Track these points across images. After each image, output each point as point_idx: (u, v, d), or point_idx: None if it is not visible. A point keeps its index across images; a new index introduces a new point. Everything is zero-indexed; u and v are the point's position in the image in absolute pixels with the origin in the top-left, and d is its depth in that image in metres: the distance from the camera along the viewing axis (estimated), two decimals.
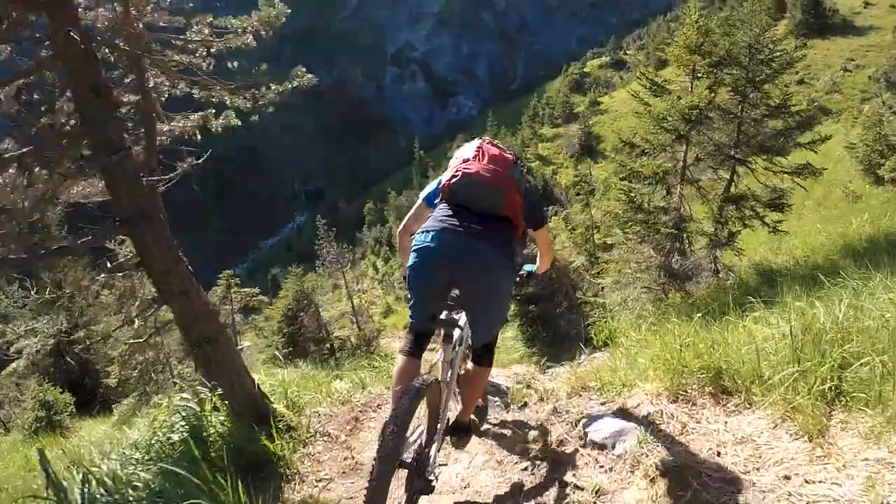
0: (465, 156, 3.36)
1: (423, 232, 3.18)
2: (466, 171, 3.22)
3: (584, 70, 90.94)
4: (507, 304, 3.77)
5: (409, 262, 3.23)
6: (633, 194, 10.41)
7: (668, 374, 3.69)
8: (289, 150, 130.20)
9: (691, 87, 11.18)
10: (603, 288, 13.08)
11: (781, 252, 10.15)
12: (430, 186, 3.65)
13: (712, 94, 10.12)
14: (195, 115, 4.60)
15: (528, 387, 5.11)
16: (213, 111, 4.65)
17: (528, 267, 4.10)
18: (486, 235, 3.10)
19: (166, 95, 4.40)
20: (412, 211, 3.66)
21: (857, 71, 54.14)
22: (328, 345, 16.89)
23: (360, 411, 5.10)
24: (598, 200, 22.06)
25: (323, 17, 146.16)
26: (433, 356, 3.79)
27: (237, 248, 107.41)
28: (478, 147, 3.38)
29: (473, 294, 3.26)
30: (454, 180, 3.24)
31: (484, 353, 3.49)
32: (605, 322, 9.65)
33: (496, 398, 4.96)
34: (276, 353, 16.30)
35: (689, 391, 3.53)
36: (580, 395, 4.51)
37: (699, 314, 4.45)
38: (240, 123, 4.86)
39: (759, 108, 10.58)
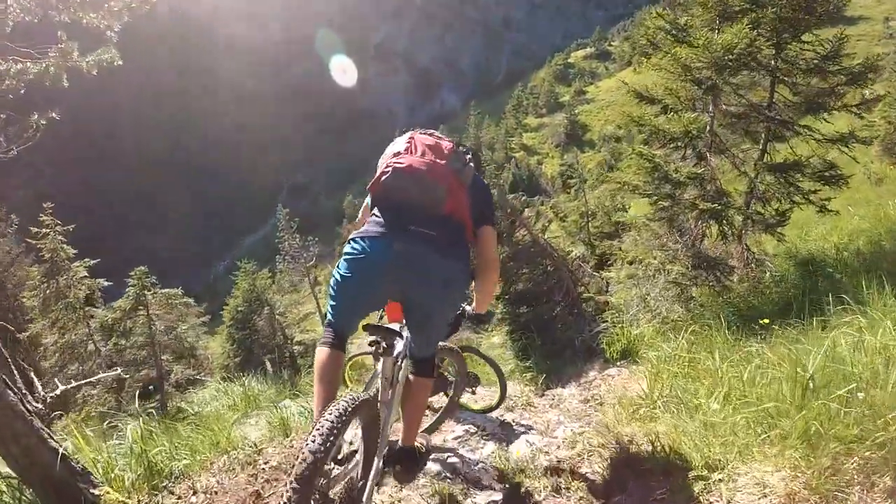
0: (395, 150, 3.00)
1: (356, 239, 2.78)
2: (397, 165, 2.82)
3: (569, 61, 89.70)
4: (454, 311, 3.30)
5: (340, 271, 2.82)
6: (657, 160, 7.98)
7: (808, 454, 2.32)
8: (271, 144, 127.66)
9: (718, 32, 8.74)
10: (608, 284, 10.65)
11: (810, 237, 8.69)
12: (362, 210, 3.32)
13: (754, 33, 7.70)
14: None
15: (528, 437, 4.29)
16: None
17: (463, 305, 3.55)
18: (430, 238, 2.72)
19: None
20: (361, 210, 3.30)
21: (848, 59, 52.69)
22: (286, 352, 14.46)
23: (267, 480, 3.47)
24: (591, 187, 20.26)
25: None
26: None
27: (218, 247, 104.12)
28: (409, 138, 3.03)
29: (417, 308, 2.89)
30: (384, 177, 2.82)
31: (425, 363, 3.15)
32: (621, 328, 7.86)
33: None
34: (228, 361, 14.05)
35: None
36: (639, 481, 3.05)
37: (764, 321, 3.89)
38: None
39: (800, 60, 8.14)
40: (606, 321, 8.29)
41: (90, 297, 11.66)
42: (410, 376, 3.20)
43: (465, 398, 5.44)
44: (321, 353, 2.82)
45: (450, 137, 3.13)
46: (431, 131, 3.09)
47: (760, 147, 8.34)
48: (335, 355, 2.86)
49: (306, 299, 24.94)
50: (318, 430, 2.04)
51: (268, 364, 11.96)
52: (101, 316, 8.69)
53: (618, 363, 6.90)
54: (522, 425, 5.46)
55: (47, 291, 12.00)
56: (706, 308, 7.00)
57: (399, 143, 3.03)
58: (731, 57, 7.71)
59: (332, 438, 2.05)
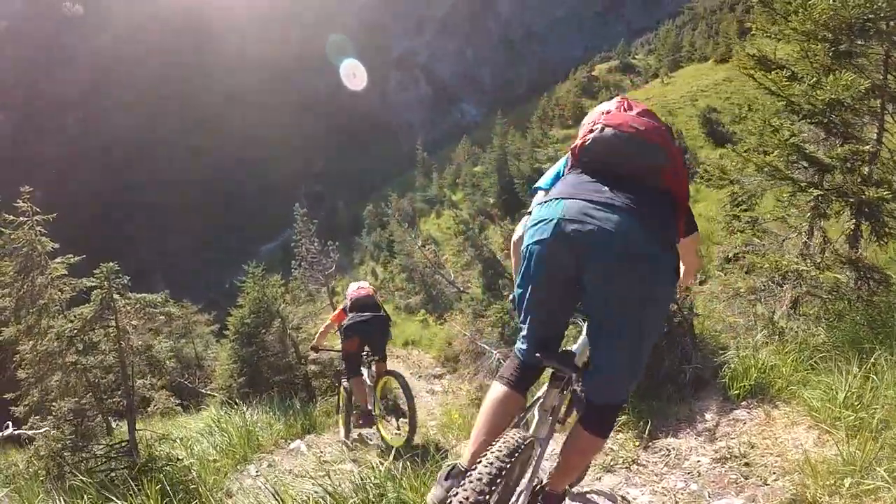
0: (604, 108, 2.59)
1: (542, 204, 2.39)
2: (609, 122, 2.39)
3: (592, 74, 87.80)
4: (657, 335, 2.77)
5: (521, 264, 2.40)
6: (793, 139, 5.91)
7: None
8: (291, 155, 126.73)
9: None
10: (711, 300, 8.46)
11: None
12: (548, 174, 2.86)
13: None
14: None
15: None
16: None
17: None
18: (642, 213, 2.18)
19: None
20: (525, 217, 2.61)
21: None
22: (301, 373, 12.41)
23: None
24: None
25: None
26: None
27: (236, 255, 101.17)
28: (621, 99, 2.63)
29: (612, 304, 2.26)
30: (592, 134, 2.40)
31: (607, 417, 2.47)
32: (745, 357, 5.78)
33: None
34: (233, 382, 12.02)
35: None
36: None
37: None
38: None
39: None
40: (727, 347, 6.20)
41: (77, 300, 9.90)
42: (578, 427, 2.50)
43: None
44: (497, 390, 2.48)
45: None
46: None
47: None
48: (516, 401, 2.49)
49: (324, 311, 22.92)
50: (487, 469, 1.91)
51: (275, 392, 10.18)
52: (59, 326, 6.56)
53: (743, 403, 5.19)
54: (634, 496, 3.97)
55: (21, 291, 10.15)
56: (857, 327, 5.20)
57: (608, 104, 2.61)
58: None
59: (498, 481, 1.90)
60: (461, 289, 24.81)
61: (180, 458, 6.52)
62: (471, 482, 1.87)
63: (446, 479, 2.22)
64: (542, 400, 2.56)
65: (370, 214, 68.26)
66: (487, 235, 27.29)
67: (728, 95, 56.21)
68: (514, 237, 2.80)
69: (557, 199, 2.31)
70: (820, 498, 3.20)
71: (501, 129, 56.08)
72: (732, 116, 48.93)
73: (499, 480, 1.89)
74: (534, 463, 2.42)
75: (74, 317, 6.99)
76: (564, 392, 2.59)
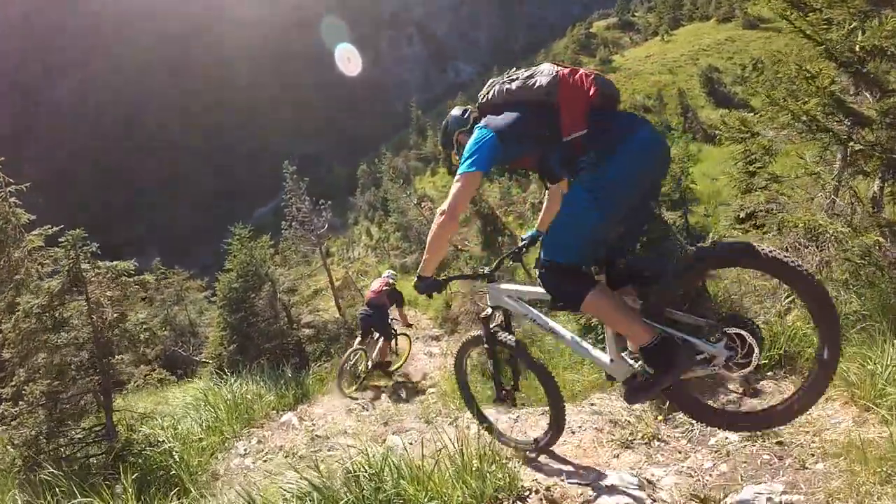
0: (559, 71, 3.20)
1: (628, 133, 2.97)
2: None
3: (591, 31, 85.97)
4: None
5: (621, 169, 2.92)
6: (833, 87, 5.32)
7: None
8: (282, 115, 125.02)
9: None
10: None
11: None
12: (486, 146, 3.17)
13: None
14: None
15: None
16: None
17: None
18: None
19: None
20: (459, 189, 3.13)
21: None
22: (294, 338, 11.89)
23: None
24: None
25: None
26: None
27: (232, 221, 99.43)
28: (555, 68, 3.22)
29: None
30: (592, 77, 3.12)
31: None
32: (771, 324, 5.17)
33: None
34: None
35: None
36: None
37: None
38: None
39: None
40: (748, 311, 5.65)
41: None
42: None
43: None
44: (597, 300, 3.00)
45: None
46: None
47: None
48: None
49: (317, 273, 22.32)
50: None
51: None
52: (25, 302, 5.96)
53: (769, 373, 4.71)
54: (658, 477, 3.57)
55: None
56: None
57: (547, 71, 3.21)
58: None
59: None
60: (458, 247, 24.25)
61: (161, 440, 6.00)
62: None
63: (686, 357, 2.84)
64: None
65: (364, 174, 67.40)
66: (484, 191, 26.58)
67: (730, 55, 55.15)
68: None
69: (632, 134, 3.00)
70: (871, 488, 2.74)
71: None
72: (734, 77, 48.24)
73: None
74: None
75: (41, 290, 6.35)
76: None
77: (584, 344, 3.47)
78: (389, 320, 10.65)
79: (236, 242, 11.80)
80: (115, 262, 6.53)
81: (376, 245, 44.49)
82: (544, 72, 3.21)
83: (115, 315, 6.27)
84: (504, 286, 3.85)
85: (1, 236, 9.63)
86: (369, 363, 10.15)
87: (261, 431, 6.56)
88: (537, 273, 3.21)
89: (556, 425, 3.74)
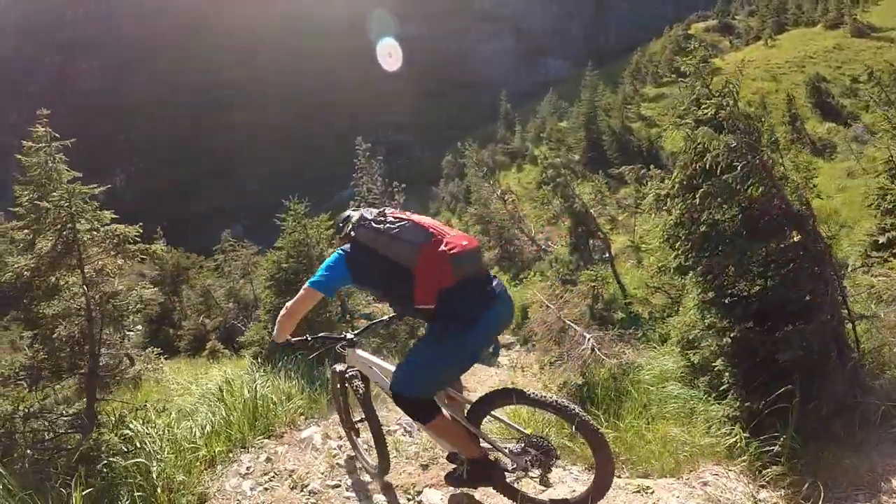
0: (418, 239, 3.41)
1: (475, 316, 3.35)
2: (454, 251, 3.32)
3: (689, 32, 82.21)
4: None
5: (468, 343, 3.40)
6: None
7: None
8: (371, 103, 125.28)
9: None
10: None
11: None
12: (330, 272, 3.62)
13: None
14: None
15: None
16: None
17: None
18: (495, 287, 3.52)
19: None
20: (300, 298, 3.67)
21: None
22: (341, 333, 10.39)
23: None
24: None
25: None
26: None
27: (313, 200, 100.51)
28: (418, 222, 3.51)
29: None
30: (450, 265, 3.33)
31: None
32: None
33: None
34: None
35: None
36: None
37: None
38: None
39: None
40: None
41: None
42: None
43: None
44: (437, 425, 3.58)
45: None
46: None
47: None
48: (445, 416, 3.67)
49: None
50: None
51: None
52: (12, 265, 4.81)
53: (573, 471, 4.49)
54: None
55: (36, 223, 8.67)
56: None
57: (410, 229, 3.46)
58: None
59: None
60: (543, 247, 22.31)
61: (140, 445, 4.68)
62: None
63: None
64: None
65: (449, 164, 66.12)
66: (576, 188, 24.53)
67: (839, 65, 51.23)
68: None
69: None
70: None
71: (592, 81, 52.43)
72: (843, 88, 44.36)
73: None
74: None
75: (32, 254, 5.27)
76: None
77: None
78: None
79: (290, 218, 10.35)
80: (115, 226, 5.37)
81: None
82: (412, 234, 3.40)
83: (115, 288, 5.13)
84: (363, 355, 4.24)
85: (41, 192, 8.89)
86: None
87: (276, 445, 5.18)
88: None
89: (384, 461, 4.21)
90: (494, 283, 3.45)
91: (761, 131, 4.83)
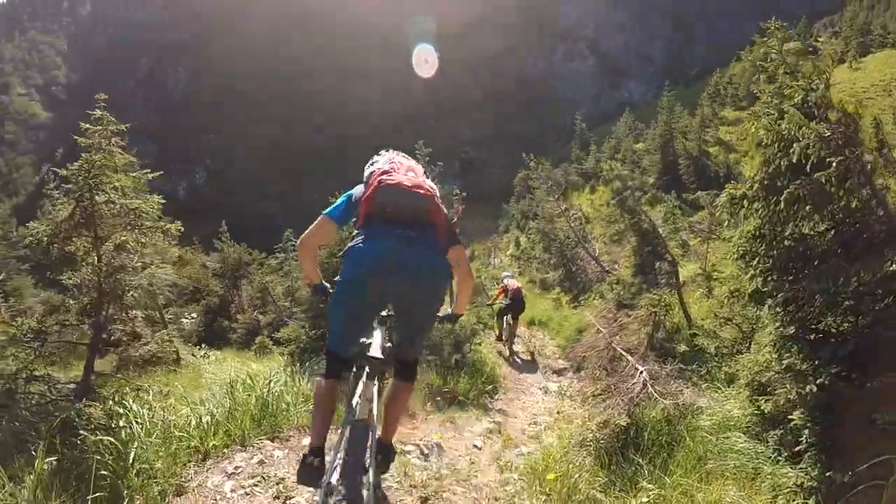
0: (380, 168, 3.42)
1: (360, 243, 3.18)
2: (388, 182, 3.25)
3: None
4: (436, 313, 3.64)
5: (345, 276, 3.23)
6: None
7: None
8: (450, 115, 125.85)
9: None
10: None
11: None
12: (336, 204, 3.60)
13: None
14: None
15: None
16: None
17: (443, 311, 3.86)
18: (415, 238, 3.15)
19: None
20: (313, 225, 3.54)
21: None
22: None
23: None
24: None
25: None
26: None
27: None
28: (391, 160, 3.51)
29: (412, 305, 3.34)
30: (376, 193, 3.25)
31: (410, 367, 3.58)
32: None
33: None
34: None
35: None
36: None
37: None
38: None
39: None
40: None
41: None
42: (395, 379, 3.63)
43: None
44: (324, 383, 3.43)
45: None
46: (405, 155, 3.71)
47: None
48: (336, 387, 3.47)
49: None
50: (352, 461, 2.79)
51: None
52: (31, 229, 4.69)
53: None
54: None
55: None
56: None
57: (381, 163, 3.48)
58: None
59: (360, 468, 2.80)
60: (606, 268, 21.05)
61: (124, 424, 4.42)
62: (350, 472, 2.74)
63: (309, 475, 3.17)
64: (360, 393, 3.09)
65: (521, 181, 65.21)
66: (644, 204, 23.17)
67: None
68: None
69: (365, 241, 3.20)
70: None
71: (669, 102, 50.76)
72: None
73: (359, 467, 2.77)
74: (371, 439, 3.03)
75: (48, 219, 5.24)
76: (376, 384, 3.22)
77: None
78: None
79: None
80: (132, 200, 5.25)
81: (521, 255, 42.00)
82: (380, 164, 3.49)
83: (125, 263, 4.96)
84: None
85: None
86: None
87: (275, 448, 4.66)
88: None
89: None
90: (426, 243, 3.21)
91: (859, 125, 3.99)
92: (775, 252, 4.35)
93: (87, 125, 7.16)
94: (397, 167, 3.38)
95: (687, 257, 20.35)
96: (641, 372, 6.74)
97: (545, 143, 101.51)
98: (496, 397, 9.03)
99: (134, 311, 5.36)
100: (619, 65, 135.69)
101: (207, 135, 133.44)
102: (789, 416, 4.02)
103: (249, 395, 5.26)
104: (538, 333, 15.64)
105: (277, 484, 4.04)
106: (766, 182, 4.29)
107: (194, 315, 23.19)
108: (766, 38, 4.92)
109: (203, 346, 15.53)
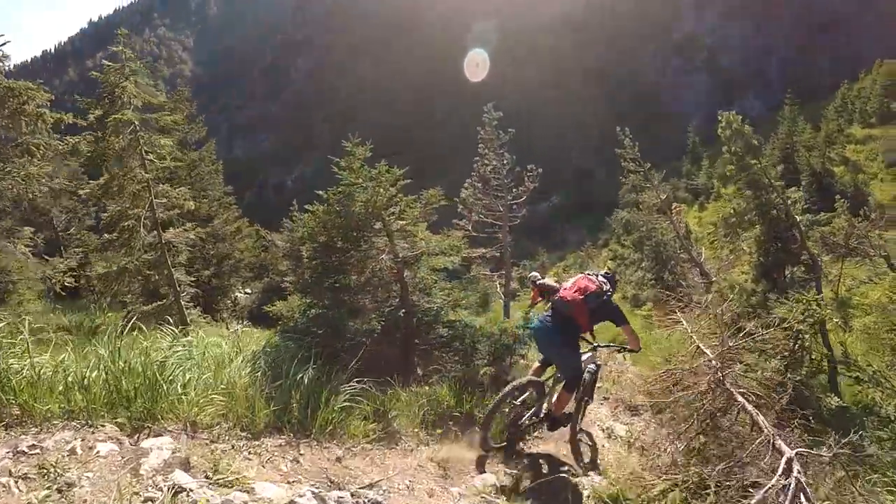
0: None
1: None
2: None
3: None
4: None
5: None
6: None
7: None
8: (568, 124, 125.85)
9: None
10: None
11: None
12: None
13: None
14: None
15: None
16: None
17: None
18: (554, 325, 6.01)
19: None
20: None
21: None
22: (406, 325, 7.70)
23: None
24: None
25: None
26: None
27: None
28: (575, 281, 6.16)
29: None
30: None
31: (565, 381, 6.15)
32: None
33: None
34: None
35: None
36: None
37: None
38: None
39: None
40: None
41: None
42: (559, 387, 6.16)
43: None
44: (535, 364, 6.51)
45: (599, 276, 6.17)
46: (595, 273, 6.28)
47: None
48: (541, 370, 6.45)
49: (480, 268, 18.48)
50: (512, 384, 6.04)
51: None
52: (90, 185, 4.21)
53: None
54: None
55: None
56: None
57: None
58: None
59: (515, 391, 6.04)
60: (713, 277, 17.68)
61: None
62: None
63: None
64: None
65: (626, 192, 62.03)
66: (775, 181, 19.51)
67: None
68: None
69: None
70: None
71: (792, 112, 46.22)
72: None
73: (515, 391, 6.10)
74: (547, 398, 6.32)
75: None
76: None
77: None
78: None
79: (344, 171, 7.40)
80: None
81: (619, 262, 39.33)
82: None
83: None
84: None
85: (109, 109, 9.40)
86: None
87: (109, 439, 3.22)
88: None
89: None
90: (552, 324, 6.05)
91: None
92: None
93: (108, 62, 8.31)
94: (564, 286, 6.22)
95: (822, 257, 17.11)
96: (790, 459, 3.61)
97: (659, 157, 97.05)
98: (533, 432, 6.75)
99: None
100: (735, 79, 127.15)
101: (325, 126, 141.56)
102: None
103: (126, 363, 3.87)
104: (617, 357, 12.00)
105: (51, 486, 2.63)
106: None
107: (248, 290, 22.74)
108: None
109: (247, 322, 15.02)
